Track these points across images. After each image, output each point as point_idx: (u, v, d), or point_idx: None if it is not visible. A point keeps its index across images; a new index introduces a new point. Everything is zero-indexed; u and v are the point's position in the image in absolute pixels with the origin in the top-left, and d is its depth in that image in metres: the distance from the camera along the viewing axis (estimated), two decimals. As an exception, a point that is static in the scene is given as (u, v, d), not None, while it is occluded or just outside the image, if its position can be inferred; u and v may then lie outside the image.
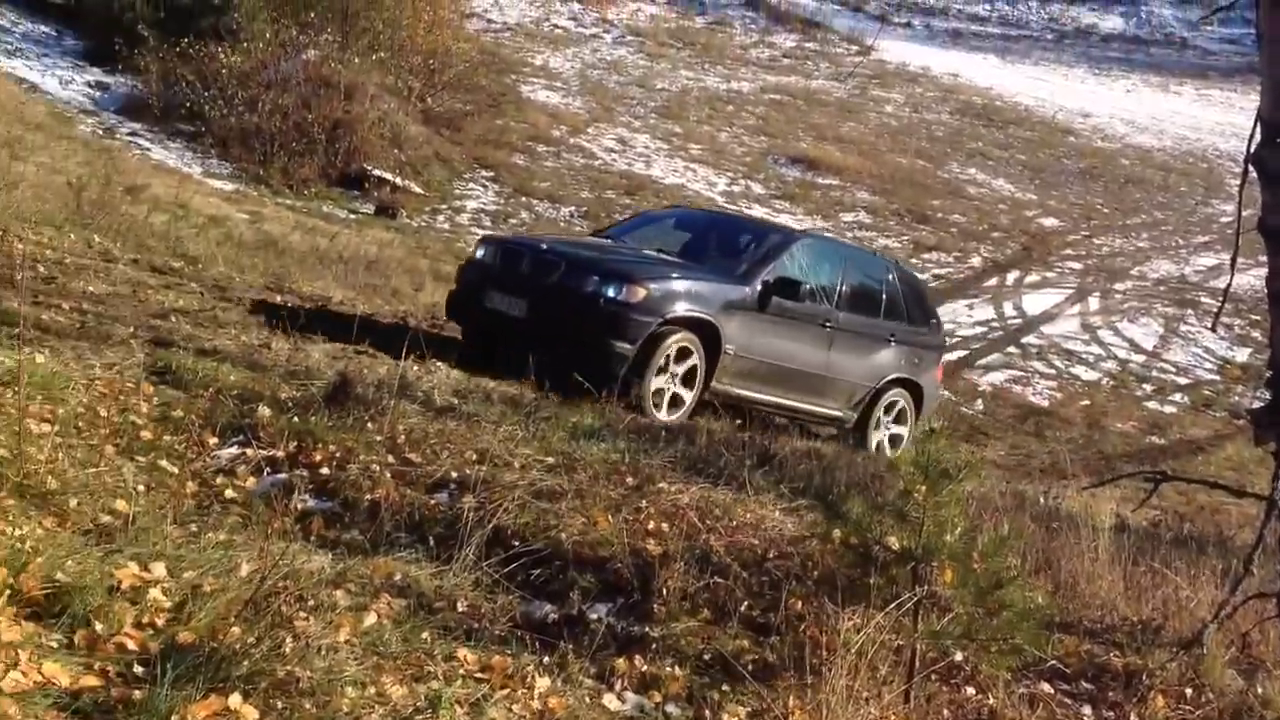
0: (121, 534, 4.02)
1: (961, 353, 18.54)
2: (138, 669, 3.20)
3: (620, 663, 4.28)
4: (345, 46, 23.53)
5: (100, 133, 20.70)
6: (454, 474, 5.59)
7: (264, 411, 5.94)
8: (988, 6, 49.98)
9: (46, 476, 4.41)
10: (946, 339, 13.71)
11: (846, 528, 4.61)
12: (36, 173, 13.77)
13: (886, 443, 11.06)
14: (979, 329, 20.62)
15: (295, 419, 5.95)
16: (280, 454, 5.60)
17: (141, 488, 4.75)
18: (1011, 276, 24.18)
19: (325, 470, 5.48)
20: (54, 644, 3.15)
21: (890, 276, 11.41)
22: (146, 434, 5.47)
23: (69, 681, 3.04)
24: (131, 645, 3.27)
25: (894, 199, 27.37)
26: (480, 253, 10.01)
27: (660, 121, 30.15)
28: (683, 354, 9.18)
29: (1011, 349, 19.93)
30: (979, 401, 17.09)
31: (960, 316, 20.62)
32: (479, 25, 34.41)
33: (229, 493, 5.08)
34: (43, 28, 25.35)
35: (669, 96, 32.34)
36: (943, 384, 12.78)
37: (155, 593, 3.48)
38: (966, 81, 39.62)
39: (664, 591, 4.78)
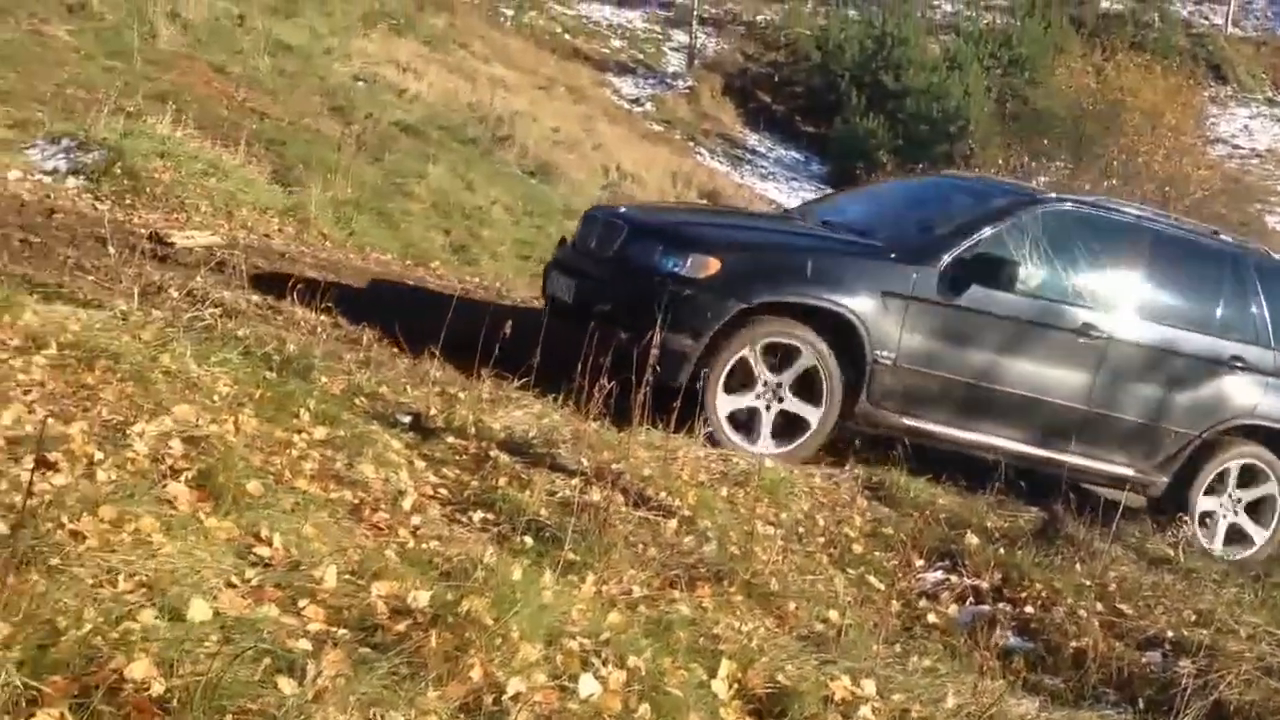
0: (834, 644, 4.18)
1: None
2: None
3: None
4: (1076, 174, 23.35)
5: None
6: (1169, 633, 5.23)
7: (971, 540, 5.96)
8: None
9: (770, 578, 4.72)
10: None
11: None
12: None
13: (1237, 526, 7.53)
14: None
15: (1001, 550, 5.91)
16: (984, 585, 5.57)
17: (851, 600, 4.93)
18: None
19: (1029, 609, 5.36)
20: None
21: (1242, 273, 7.69)
22: (858, 547, 5.69)
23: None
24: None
25: None
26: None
27: None
28: (788, 357, 6.56)
29: None
30: None
31: None
32: (1223, 151, 32.57)
33: (931, 617, 5.12)
34: (794, 154, 27.74)
35: None
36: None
37: (865, 710, 3.58)
38: None
39: None
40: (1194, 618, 5.47)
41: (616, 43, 32.68)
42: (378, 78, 17.77)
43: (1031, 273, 6.98)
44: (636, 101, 29.06)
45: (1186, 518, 7.28)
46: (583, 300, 6.79)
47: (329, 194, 10.87)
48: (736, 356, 6.46)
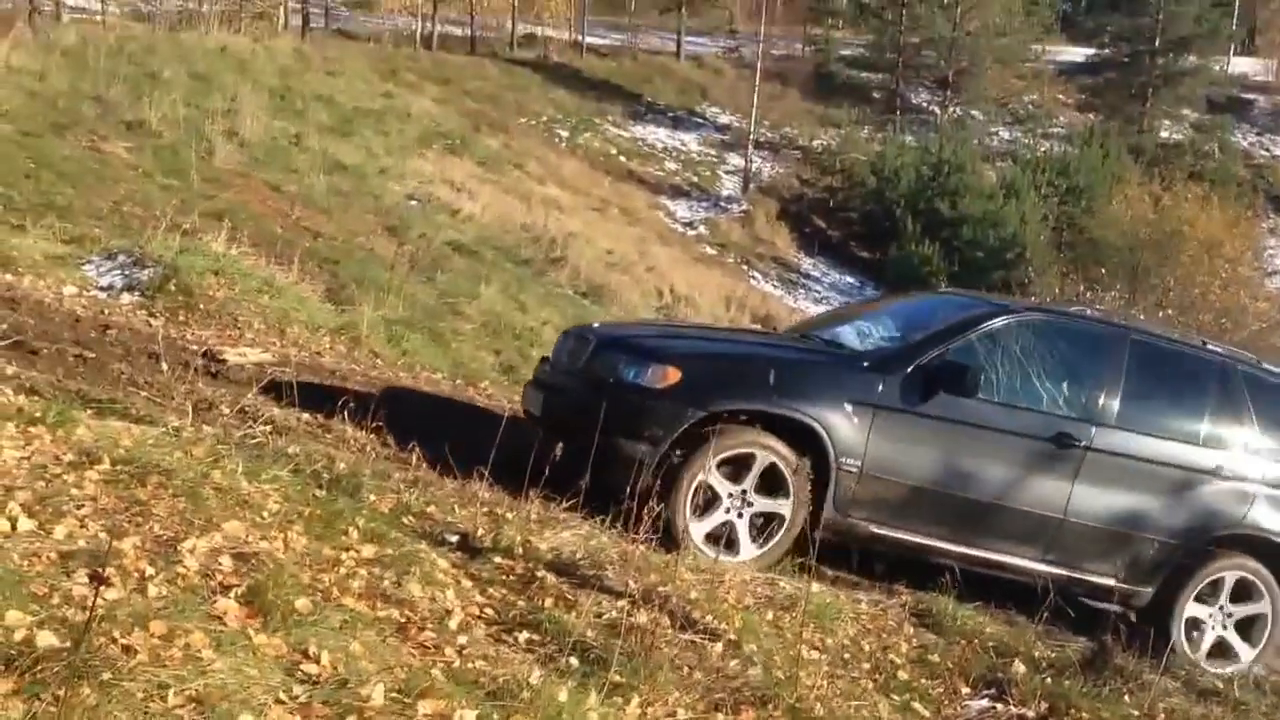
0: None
1: None
2: None
3: None
4: (1133, 302, 23.35)
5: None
6: (1221, 769, 5.15)
7: (1018, 668, 5.90)
8: None
9: (815, 703, 4.70)
10: None
11: None
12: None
13: (1226, 641, 7.30)
14: None
15: (1049, 680, 5.84)
16: (1031, 714, 5.49)
17: (896, 728, 4.89)
18: None
19: (1077, 740, 5.29)
20: None
21: (1234, 385, 7.53)
22: (904, 674, 5.65)
23: None
24: None
25: None
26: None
27: None
28: (744, 464, 6.48)
29: None
30: None
31: None
32: (1282, 283, 32.47)
33: (978, 746, 5.07)
34: (848, 279, 27.95)
35: None
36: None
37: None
38: None
39: None
40: (1247, 753, 5.36)
41: (671, 165, 33.25)
42: (432, 198, 18.19)
43: (1003, 381, 6.95)
44: (690, 224, 29.47)
45: (1173, 629, 7.16)
46: (548, 412, 6.90)
47: (380, 313, 11.06)
48: (696, 480, 6.42)
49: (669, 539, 6.23)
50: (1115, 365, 7.29)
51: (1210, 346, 8.05)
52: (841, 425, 6.61)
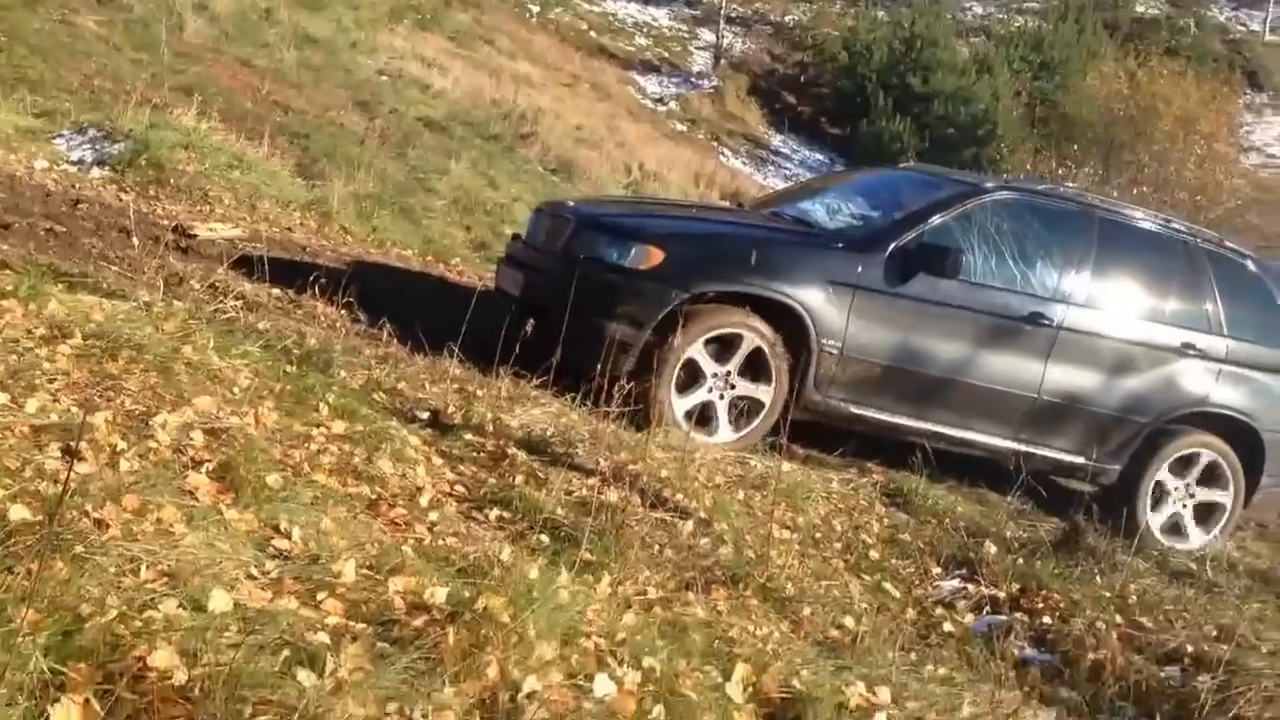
0: (849, 651, 4.18)
1: None
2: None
3: None
4: (1106, 180, 23.30)
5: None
6: (1189, 648, 5.18)
7: (990, 548, 5.93)
8: None
9: (786, 582, 4.72)
10: None
11: None
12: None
13: (1186, 522, 7.51)
14: None
15: (1020, 560, 5.88)
16: (1002, 594, 5.53)
17: (866, 606, 4.91)
18: None
19: (1047, 619, 5.33)
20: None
21: (1198, 263, 7.61)
22: (875, 554, 5.68)
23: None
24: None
25: None
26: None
27: None
28: (731, 345, 6.51)
29: None
30: None
31: None
32: (1258, 160, 32.43)
33: (947, 626, 5.09)
34: (818, 155, 27.74)
35: None
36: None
37: (881, 717, 3.58)
38: None
39: None
40: (1215, 633, 5.42)
41: (642, 40, 32.72)
42: (403, 73, 17.84)
43: (978, 261, 6.96)
44: (661, 100, 29.08)
45: (1139, 505, 7.32)
46: (529, 293, 6.78)
47: (351, 188, 10.90)
48: (684, 357, 6.42)
49: (646, 415, 6.19)
50: (1085, 244, 7.32)
51: (1174, 225, 8.04)
52: (822, 306, 6.62)
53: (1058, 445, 7.34)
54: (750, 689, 3.51)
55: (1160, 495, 7.53)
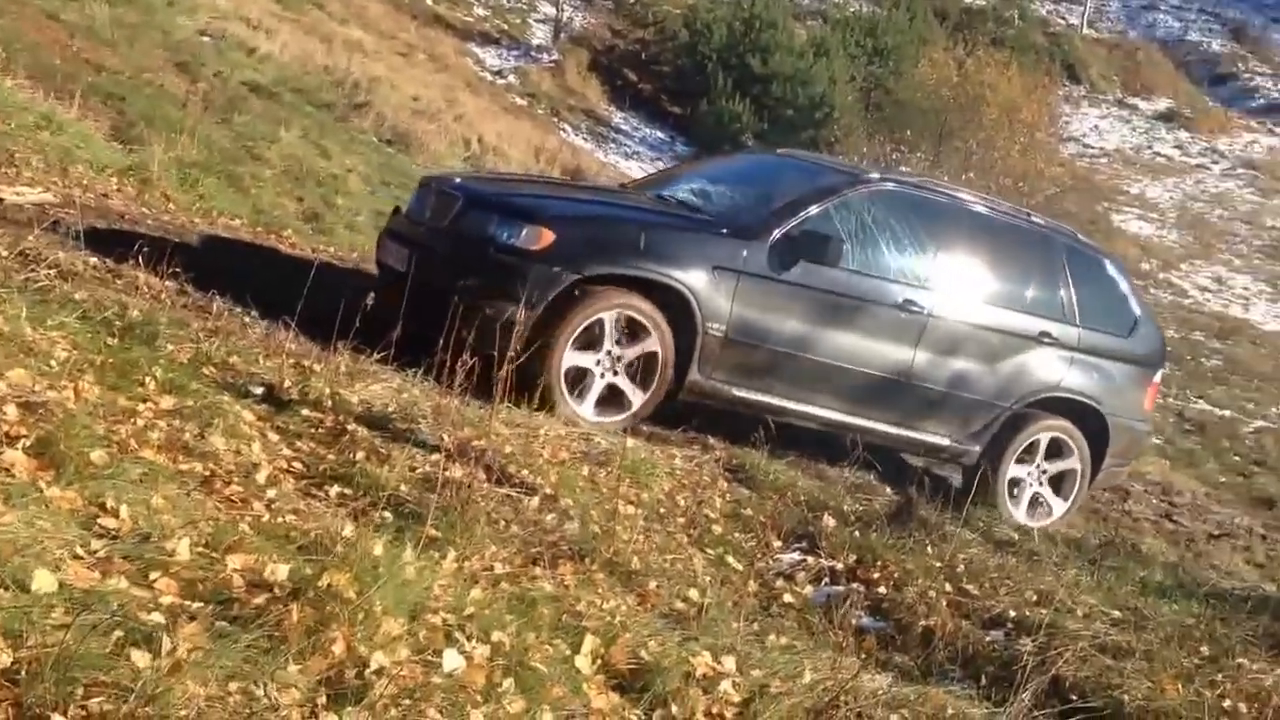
0: (695, 622, 4.21)
1: None
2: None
3: None
4: (937, 164, 23.93)
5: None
6: (1012, 613, 5.42)
7: (828, 521, 6.06)
8: None
9: (632, 557, 4.73)
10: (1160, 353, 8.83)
11: None
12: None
13: (1045, 498, 7.95)
14: None
15: (857, 533, 6.02)
16: (839, 565, 5.66)
17: (710, 579, 4.95)
18: None
19: (882, 589, 5.48)
20: (634, 719, 3.34)
21: (1055, 256, 8.01)
22: (718, 528, 5.74)
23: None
24: (704, 734, 3.41)
25: None
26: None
27: (1266, 262, 27.99)
28: (628, 329, 6.68)
29: None
30: None
31: None
32: (1075, 150, 33.76)
33: (787, 597, 5.20)
34: (659, 133, 27.83)
35: (1279, 236, 29.84)
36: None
37: (726, 685, 3.62)
38: None
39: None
40: (1035, 598, 5.67)
41: (480, 10, 32.26)
42: (226, 34, 17.20)
43: (856, 250, 7.16)
44: (500, 73, 28.76)
45: (995, 486, 7.63)
46: (418, 270, 6.70)
47: (173, 154, 10.46)
48: (593, 318, 6.55)
49: (545, 401, 6.30)
50: (955, 236, 7.64)
51: (1034, 219, 8.43)
52: (708, 290, 6.77)
53: (926, 428, 7.62)
54: (599, 661, 3.51)
55: (1017, 481, 7.90)
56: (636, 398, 6.77)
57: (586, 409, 6.63)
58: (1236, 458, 17.09)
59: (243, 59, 16.43)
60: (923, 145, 24.94)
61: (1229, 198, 32.67)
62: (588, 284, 6.55)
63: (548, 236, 6.53)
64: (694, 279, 6.73)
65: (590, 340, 6.63)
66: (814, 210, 7.12)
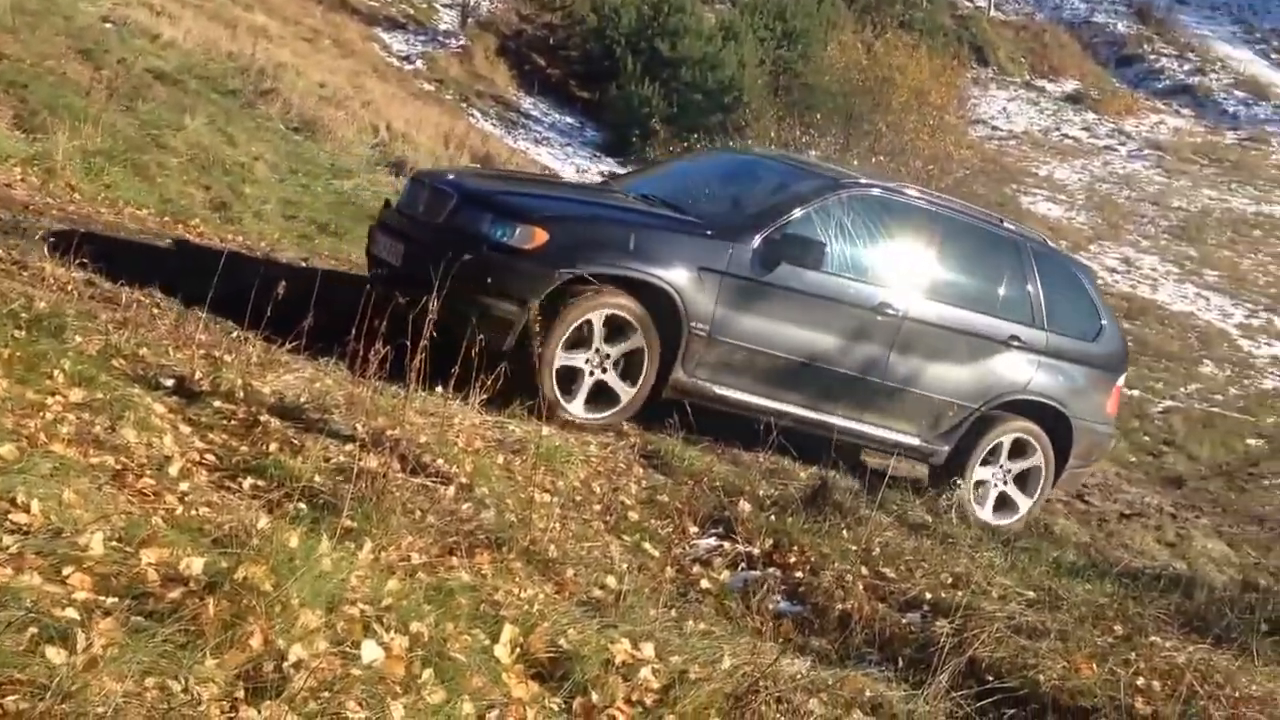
0: (613, 609, 4.22)
1: None
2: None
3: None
4: (847, 148, 24.06)
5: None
6: (928, 595, 5.49)
7: (744, 507, 6.09)
8: None
9: (549, 545, 4.73)
10: (1123, 358, 9.15)
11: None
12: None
13: (1005, 494, 8.17)
14: None
15: (773, 517, 6.06)
16: (756, 550, 5.70)
17: (628, 566, 4.97)
18: None
19: (799, 574, 5.53)
20: (555, 707, 3.35)
21: (1024, 261, 8.20)
22: (634, 515, 5.75)
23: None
24: (622, 720, 3.43)
25: None
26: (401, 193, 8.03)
27: (1173, 243, 28.46)
28: (621, 332, 6.90)
29: None
30: None
31: None
32: (984, 132, 34.18)
33: (705, 583, 5.22)
34: (568, 119, 27.73)
35: (1186, 217, 30.29)
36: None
37: (645, 672, 3.63)
38: None
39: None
40: (951, 580, 5.75)
41: (387, -4, 31.86)
42: (129, 21, 16.83)
43: (836, 253, 7.34)
44: (407, 59, 28.44)
45: (961, 484, 7.78)
46: (411, 265, 6.77)
47: (77, 143, 10.25)
48: (584, 317, 6.74)
49: (540, 398, 6.55)
50: (929, 240, 7.83)
51: (1006, 225, 8.63)
52: (693, 290, 6.97)
53: (898, 427, 7.84)
54: (518, 650, 3.51)
55: (982, 482, 8.12)
56: (625, 394, 6.95)
57: (576, 406, 6.82)
58: (1146, 437, 17.45)
59: (146, 46, 16.09)
60: (832, 129, 25.06)
61: (1136, 179, 33.20)
62: (578, 283, 6.71)
63: (541, 236, 6.68)
64: (680, 279, 6.93)
65: (579, 339, 6.79)
66: (797, 214, 7.32)
